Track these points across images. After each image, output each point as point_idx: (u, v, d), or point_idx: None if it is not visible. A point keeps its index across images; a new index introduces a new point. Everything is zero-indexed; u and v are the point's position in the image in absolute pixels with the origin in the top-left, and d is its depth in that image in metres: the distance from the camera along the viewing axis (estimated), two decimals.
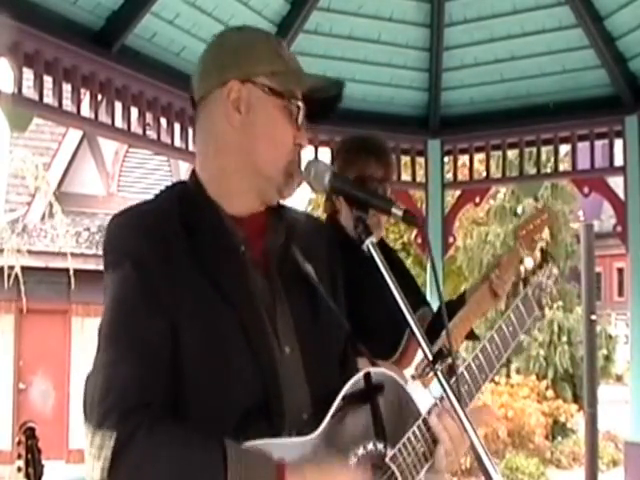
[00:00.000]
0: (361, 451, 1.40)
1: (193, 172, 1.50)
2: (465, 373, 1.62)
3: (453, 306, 2.64)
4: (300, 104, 1.45)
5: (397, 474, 1.43)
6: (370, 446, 1.42)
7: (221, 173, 1.45)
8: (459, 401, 1.35)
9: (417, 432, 1.46)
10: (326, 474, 1.31)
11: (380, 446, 1.43)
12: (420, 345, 1.35)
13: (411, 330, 1.36)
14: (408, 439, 1.45)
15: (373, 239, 1.39)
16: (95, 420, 1.26)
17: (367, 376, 1.43)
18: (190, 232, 1.38)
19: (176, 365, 1.32)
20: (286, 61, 1.47)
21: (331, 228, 2.36)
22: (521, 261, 2.59)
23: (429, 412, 1.48)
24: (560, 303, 15.42)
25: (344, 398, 1.39)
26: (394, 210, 1.38)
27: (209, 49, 1.51)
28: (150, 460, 1.25)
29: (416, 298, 2.60)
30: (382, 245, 2.59)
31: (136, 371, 1.29)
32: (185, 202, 1.43)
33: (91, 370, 1.34)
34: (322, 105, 1.51)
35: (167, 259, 1.35)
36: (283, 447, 1.32)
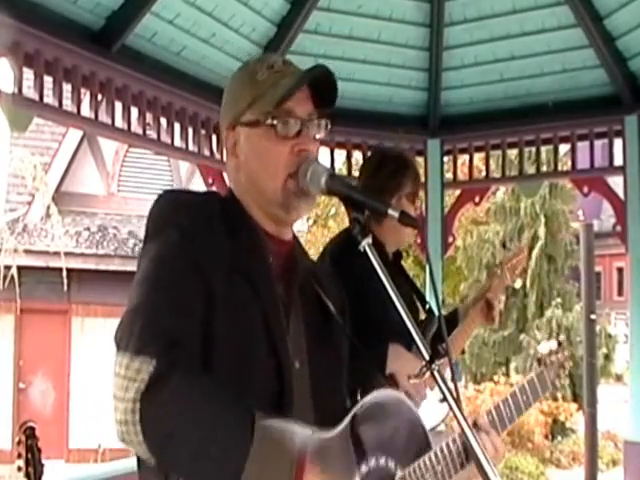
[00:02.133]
0: (372, 462, 1.42)
1: (230, 190, 1.58)
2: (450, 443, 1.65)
3: (448, 322, 2.84)
4: (274, 120, 1.47)
5: None
6: (382, 461, 1.44)
7: (246, 203, 1.54)
8: (457, 401, 1.35)
9: (427, 462, 1.49)
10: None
11: (391, 464, 1.45)
12: (417, 344, 1.36)
13: (408, 329, 1.36)
14: (419, 465, 1.47)
15: (369, 240, 1.39)
16: (135, 347, 1.27)
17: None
18: (230, 229, 1.45)
19: (206, 335, 1.34)
20: (260, 84, 1.50)
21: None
22: (507, 287, 3.01)
23: (441, 447, 1.51)
24: (559, 301, 15.44)
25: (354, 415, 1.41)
26: (390, 212, 1.38)
27: None
28: (185, 399, 1.25)
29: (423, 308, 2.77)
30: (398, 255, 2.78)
31: (178, 316, 1.32)
32: (225, 206, 1.51)
33: (127, 310, 1.34)
34: (322, 91, 1.52)
35: (209, 239, 1.40)
36: (303, 435, 1.31)
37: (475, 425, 1.62)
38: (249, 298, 1.40)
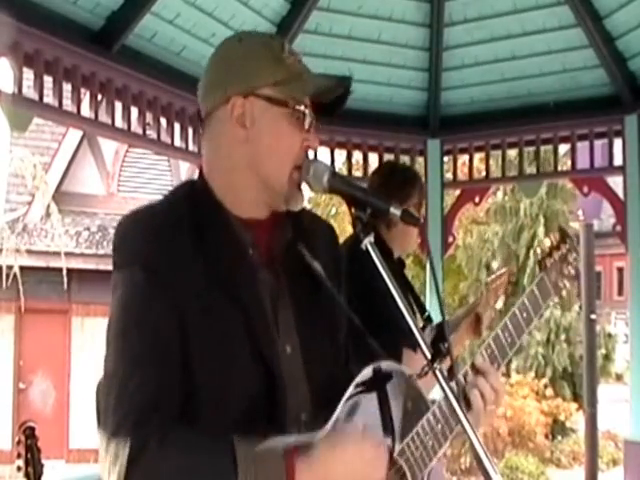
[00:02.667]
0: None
1: (201, 176, 1.50)
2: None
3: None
4: (305, 109, 1.46)
5: (405, 468, 1.44)
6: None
7: (230, 186, 1.46)
8: (458, 400, 1.35)
9: (426, 426, 1.48)
10: (336, 454, 1.32)
11: (388, 441, 1.44)
12: (418, 344, 1.36)
13: (409, 329, 1.36)
14: (417, 433, 1.47)
15: (371, 239, 1.39)
16: (110, 428, 1.30)
17: (376, 368, 1.45)
18: (199, 234, 1.40)
19: (185, 362, 1.34)
20: (289, 66, 1.46)
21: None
22: (493, 306, 3.00)
23: (438, 405, 1.50)
24: (559, 301, 15.44)
25: (355, 387, 1.40)
26: (392, 210, 1.38)
27: (211, 63, 1.54)
28: (163, 468, 1.28)
29: (422, 315, 2.80)
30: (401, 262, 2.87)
31: (149, 377, 1.31)
32: (194, 204, 1.44)
33: (103, 377, 1.36)
34: (330, 103, 1.52)
35: (176, 261, 1.36)
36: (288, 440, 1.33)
37: (473, 367, 1.59)
38: (228, 308, 1.37)
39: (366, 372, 1.44)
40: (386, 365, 1.47)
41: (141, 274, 1.34)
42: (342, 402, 1.39)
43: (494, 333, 1.68)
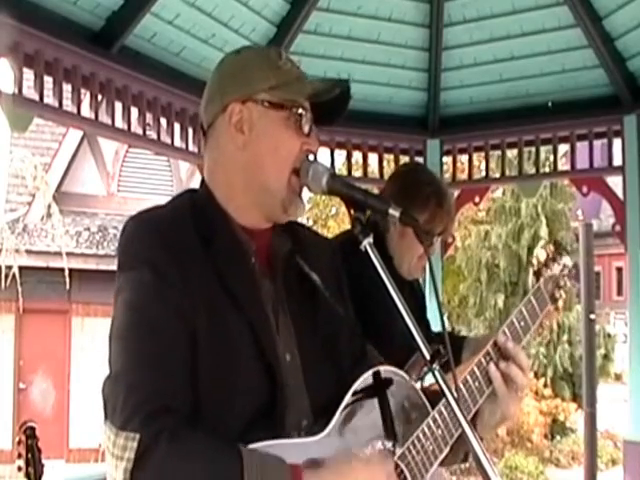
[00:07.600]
0: (369, 450, 1.41)
1: (203, 184, 1.52)
2: (475, 369, 1.63)
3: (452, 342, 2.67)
4: (302, 111, 1.46)
5: (406, 473, 1.44)
6: (379, 445, 1.43)
7: (230, 191, 1.48)
8: (457, 400, 1.36)
9: (426, 430, 1.48)
10: (343, 475, 1.32)
11: (389, 445, 1.44)
12: (417, 344, 1.36)
13: (407, 328, 1.36)
14: (417, 437, 1.46)
15: (370, 240, 1.39)
16: (119, 421, 1.26)
17: (376, 374, 1.45)
18: (205, 241, 1.40)
19: (192, 367, 1.33)
20: (285, 72, 1.48)
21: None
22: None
23: (439, 410, 1.50)
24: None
25: (354, 394, 1.41)
26: (391, 211, 1.38)
27: (211, 77, 1.55)
28: (172, 467, 1.26)
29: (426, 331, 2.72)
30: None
31: (160, 375, 1.30)
32: (198, 211, 1.45)
33: (110, 373, 1.34)
34: (331, 107, 1.52)
35: (183, 266, 1.36)
36: (292, 448, 1.33)
37: (495, 346, 1.62)
38: (234, 315, 1.37)
39: (365, 377, 1.44)
40: (385, 370, 1.48)
41: (150, 275, 1.34)
42: (341, 407, 1.39)
43: (492, 341, 1.67)
